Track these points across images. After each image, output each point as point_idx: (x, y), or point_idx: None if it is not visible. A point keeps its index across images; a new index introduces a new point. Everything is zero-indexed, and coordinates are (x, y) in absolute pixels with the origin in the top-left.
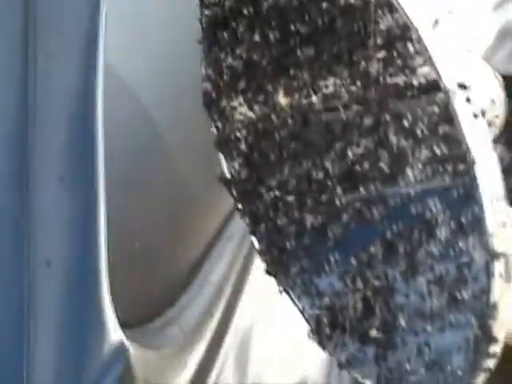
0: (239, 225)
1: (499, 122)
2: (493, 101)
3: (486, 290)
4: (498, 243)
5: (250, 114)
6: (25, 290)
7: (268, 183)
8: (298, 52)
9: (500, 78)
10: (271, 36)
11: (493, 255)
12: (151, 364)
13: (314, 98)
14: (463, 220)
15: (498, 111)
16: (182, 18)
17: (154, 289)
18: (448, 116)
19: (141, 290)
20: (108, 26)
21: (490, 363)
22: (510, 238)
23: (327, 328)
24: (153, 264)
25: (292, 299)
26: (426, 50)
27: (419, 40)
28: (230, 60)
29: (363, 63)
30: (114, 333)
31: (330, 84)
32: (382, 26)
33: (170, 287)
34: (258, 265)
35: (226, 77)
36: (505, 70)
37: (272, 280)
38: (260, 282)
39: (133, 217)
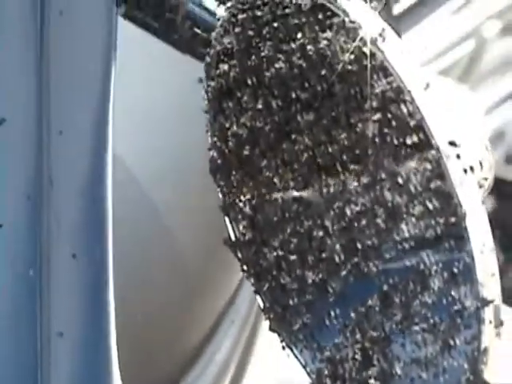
0: (240, 309)
1: (488, 184)
2: (480, 163)
3: (477, 336)
4: (487, 292)
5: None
6: (38, 359)
7: (271, 243)
8: (299, 118)
9: (488, 145)
10: (274, 104)
11: (483, 303)
12: None
13: None
14: (455, 270)
15: (487, 175)
16: (191, 110)
17: (159, 368)
18: (440, 172)
19: (145, 369)
20: (116, 115)
21: None
22: (497, 288)
23: (328, 379)
24: (157, 344)
25: (294, 354)
26: (419, 110)
27: (412, 101)
28: (234, 128)
29: (360, 125)
30: None
31: (329, 147)
32: (378, 90)
33: (175, 367)
34: (260, 346)
35: (231, 144)
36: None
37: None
38: (261, 363)
39: (135, 297)
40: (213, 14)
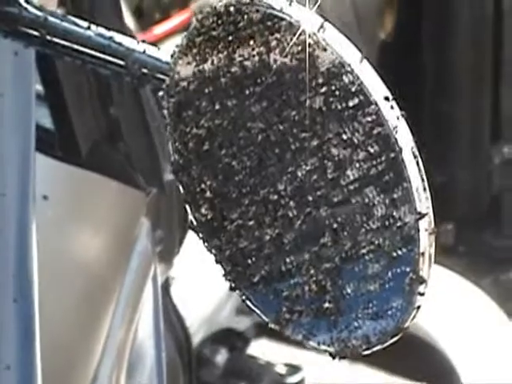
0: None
1: None
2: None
3: (417, 244)
4: (421, 206)
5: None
6: None
7: (230, 217)
8: (253, 109)
9: None
10: (229, 103)
11: (420, 216)
12: None
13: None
14: (395, 196)
15: None
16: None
17: None
18: (379, 121)
19: None
20: None
21: (420, 301)
22: (429, 202)
23: (286, 315)
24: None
25: (253, 305)
26: (358, 77)
27: (352, 71)
28: (194, 130)
29: (308, 101)
30: None
31: (280, 126)
32: (323, 69)
33: None
34: None
35: (191, 145)
36: None
37: None
38: None
39: None
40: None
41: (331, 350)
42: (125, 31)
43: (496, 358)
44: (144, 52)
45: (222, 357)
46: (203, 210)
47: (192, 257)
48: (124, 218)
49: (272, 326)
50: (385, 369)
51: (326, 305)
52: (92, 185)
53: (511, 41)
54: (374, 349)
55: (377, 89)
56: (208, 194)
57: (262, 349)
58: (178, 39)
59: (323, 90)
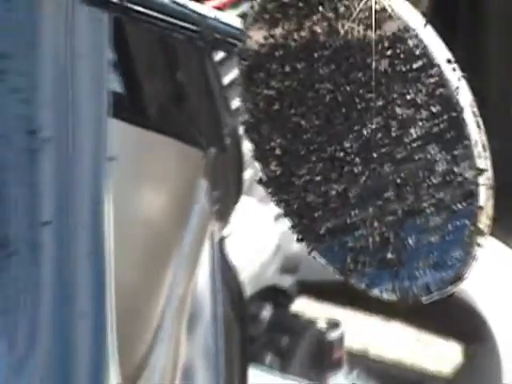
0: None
1: None
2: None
3: (476, 198)
4: (481, 162)
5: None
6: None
7: (298, 173)
8: (321, 71)
9: None
10: (298, 66)
11: (479, 171)
12: None
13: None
14: (456, 152)
15: None
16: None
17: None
18: (441, 82)
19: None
20: None
21: (478, 252)
22: (488, 160)
23: (351, 265)
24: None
25: (319, 256)
26: (422, 41)
27: (416, 36)
28: (264, 92)
29: (374, 63)
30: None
31: (347, 87)
32: (388, 33)
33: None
34: None
35: (261, 104)
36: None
37: None
38: None
39: None
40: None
41: (393, 297)
42: None
43: None
44: (216, 18)
45: (266, 313)
46: (272, 167)
47: (243, 217)
48: (185, 178)
49: (337, 275)
50: (419, 326)
51: (389, 256)
52: (157, 145)
53: None
54: (434, 297)
55: (439, 52)
56: (277, 151)
57: (303, 306)
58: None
59: (389, 53)
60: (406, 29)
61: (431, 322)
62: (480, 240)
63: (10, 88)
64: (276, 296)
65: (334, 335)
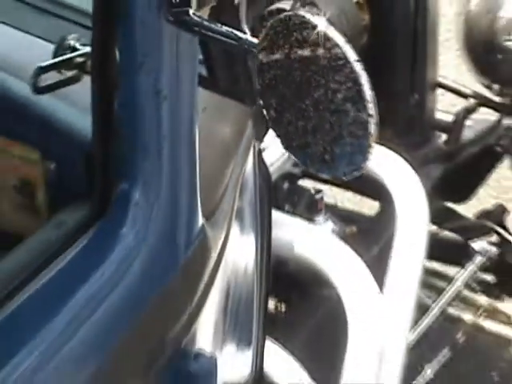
0: None
1: None
2: None
3: (368, 109)
4: (371, 108)
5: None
6: None
7: (285, 115)
8: (296, 65)
9: None
10: (284, 64)
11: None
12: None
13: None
14: (359, 106)
15: None
16: None
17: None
18: (353, 73)
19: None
20: None
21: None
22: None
23: (308, 162)
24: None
25: (294, 157)
26: (345, 52)
27: (341, 48)
28: (267, 80)
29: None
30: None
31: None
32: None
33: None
34: None
35: (267, 82)
36: None
37: None
38: None
39: None
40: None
41: (331, 176)
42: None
43: None
44: (246, 39)
45: (285, 185)
46: (272, 113)
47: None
48: (240, 120)
49: (303, 166)
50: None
51: (327, 157)
52: (224, 103)
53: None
54: (352, 176)
55: (352, 55)
56: (274, 104)
57: (304, 182)
58: None
59: (327, 56)
60: (338, 46)
61: (353, 185)
62: (372, 141)
63: (146, 71)
64: (291, 177)
65: (318, 196)
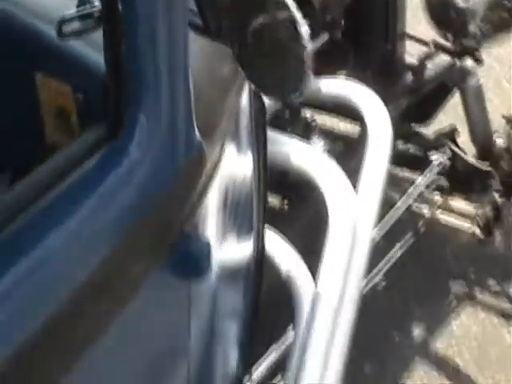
0: None
1: None
2: None
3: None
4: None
5: None
6: None
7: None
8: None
9: None
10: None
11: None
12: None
13: None
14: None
15: None
16: None
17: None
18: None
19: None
20: None
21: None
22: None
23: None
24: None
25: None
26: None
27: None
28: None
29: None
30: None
31: None
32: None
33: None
34: None
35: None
36: None
37: None
38: None
39: None
40: None
41: (279, 99)
42: None
43: None
44: None
45: (286, 113)
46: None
47: None
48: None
49: (262, 92)
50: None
51: (277, 84)
52: (217, 46)
53: None
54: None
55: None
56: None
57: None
58: None
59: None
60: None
61: (341, 112)
62: (308, 69)
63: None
64: (291, 107)
65: (313, 122)
